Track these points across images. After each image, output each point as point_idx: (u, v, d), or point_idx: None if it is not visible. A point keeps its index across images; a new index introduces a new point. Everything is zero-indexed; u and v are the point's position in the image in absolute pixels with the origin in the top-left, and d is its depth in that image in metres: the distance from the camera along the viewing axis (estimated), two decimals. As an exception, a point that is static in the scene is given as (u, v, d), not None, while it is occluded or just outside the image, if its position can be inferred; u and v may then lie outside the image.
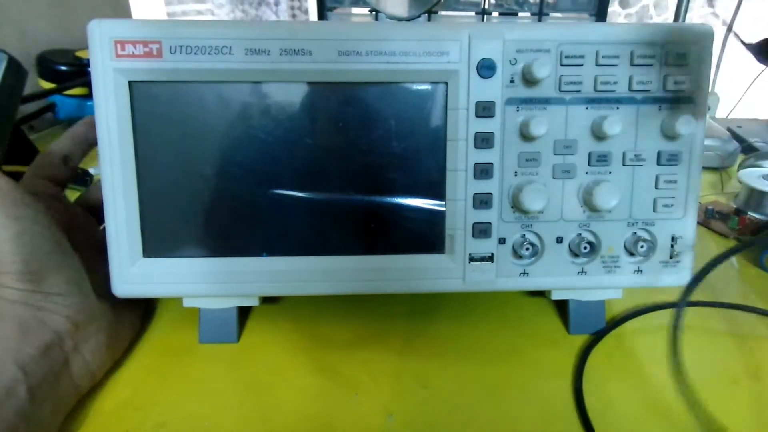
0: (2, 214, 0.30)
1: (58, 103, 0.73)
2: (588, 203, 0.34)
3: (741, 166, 0.63)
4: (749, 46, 0.63)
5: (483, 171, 0.34)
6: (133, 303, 0.38)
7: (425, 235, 0.35)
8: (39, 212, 0.32)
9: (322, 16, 0.89)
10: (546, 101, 0.33)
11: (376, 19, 0.83)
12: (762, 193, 0.53)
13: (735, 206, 0.56)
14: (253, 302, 0.37)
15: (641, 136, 0.34)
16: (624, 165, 0.34)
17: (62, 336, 0.31)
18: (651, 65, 0.33)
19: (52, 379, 0.30)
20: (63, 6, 0.86)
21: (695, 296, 0.42)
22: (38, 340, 0.30)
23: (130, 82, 0.32)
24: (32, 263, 0.31)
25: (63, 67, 0.76)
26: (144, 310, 0.40)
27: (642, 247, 0.35)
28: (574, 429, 0.31)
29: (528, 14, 0.88)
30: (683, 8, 0.85)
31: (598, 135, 0.34)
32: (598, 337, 0.38)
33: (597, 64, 0.33)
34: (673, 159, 0.34)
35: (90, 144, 0.38)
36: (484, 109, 0.33)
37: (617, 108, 0.34)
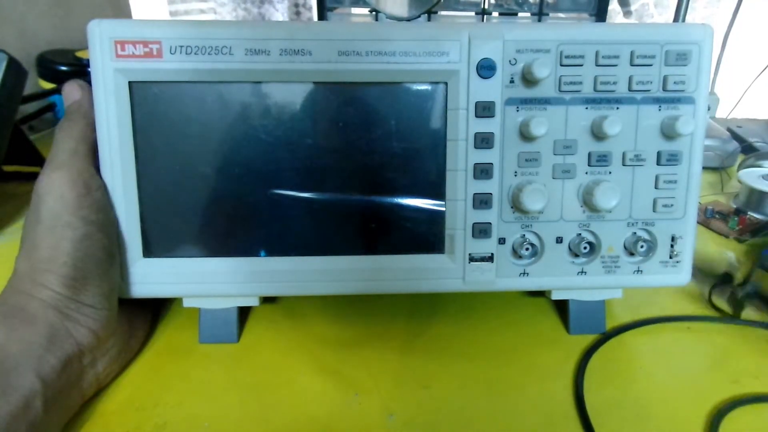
0: (76, 216, 0.30)
1: (58, 103, 0.73)
2: (588, 203, 0.34)
3: (741, 166, 0.63)
4: None
5: (483, 171, 0.34)
6: (146, 313, 0.38)
7: (425, 235, 0.35)
8: (109, 219, 0.32)
9: (322, 16, 0.89)
10: (546, 101, 0.33)
11: (376, 19, 0.83)
12: (762, 193, 0.53)
13: (735, 206, 0.56)
14: (253, 302, 0.37)
15: (641, 136, 0.34)
16: (624, 165, 0.34)
17: (83, 350, 0.31)
18: (651, 65, 0.33)
19: (67, 391, 0.30)
20: (63, 6, 0.86)
21: (690, 307, 0.42)
22: (62, 352, 0.29)
23: (130, 82, 0.32)
24: (82, 270, 0.30)
25: (63, 67, 0.76)
26: (154, 318, 0.40)
27: (642, 247, 0.35)
28: (574, 429, 0.31)
29: (528, 14, 0.88)
30: (683, 8, 0.84)
31: (598, 135, 0.34)
32: (599, 341, 0.38)
33: (597, 64, 0.33)
34: (673, 159, 0.34)
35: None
36: (484, 109, 0.33)
37: (617, 108, 0.34)
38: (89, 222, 0.31)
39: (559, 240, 0.35)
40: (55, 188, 0.30)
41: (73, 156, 0.32)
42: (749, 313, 0.41)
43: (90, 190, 0.31)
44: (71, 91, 0.34)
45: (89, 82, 0.32)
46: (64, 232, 0.30)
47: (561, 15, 0.89)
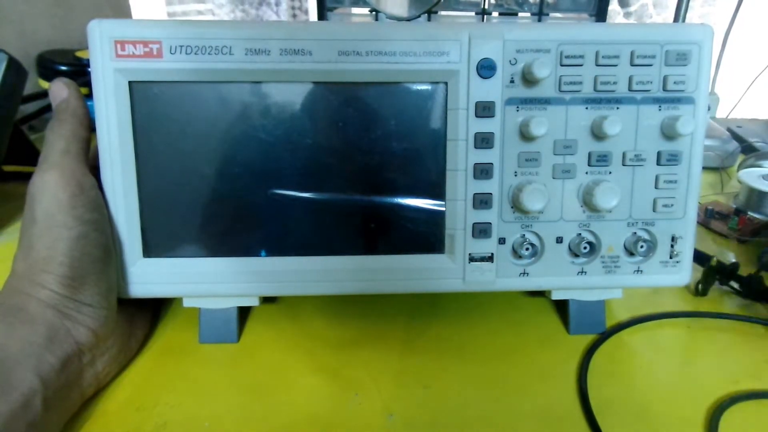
0: (71, 215, 0.30)
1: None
2: (588, 203, 0.34)
3: (741, 166, 0.63)
4: None
5: (483, 171, 0.34)
6: (145, 313, 0.38)
7: (425, 235, 0.35)
8: (103, 218, 0.32)
9: (322, 16, 0.89)
10: (546, 101, 0.33)
11: (376, 19, 0.83)
12: (762, 193, 0.53)
13: (735, 206, 0.56)
14: (253, 302, 0.37)
15: (641, 136, 0.34)
16: (624, 165, 0.34)
17: (83, 349, 0.31)
18: (651, 65, 0.33)
19: (66, 390, 0.30)
20: (63, 6, 0.86)
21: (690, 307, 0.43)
22: (61, 351, 0.29)
23: (130, 82, 0.32)
24: (79, 269, 0.31)
25: (63, 67, 0.76)
26: (154, 318, 0.40)
27: (642, 247, 0.35)
28: (575, 429, 0.31)
29: (528, 14, 0.87)
30: (683, 8, 0.84)
31: (598, 135, 0.34)
32: (600, 340, 0.38)
33: (597, 64, 0.33)
34: (673, 159, 0.34)
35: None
36: (484, 109, 0.33)
37: (617, 108, 0.34)
38: (84, 221, 0.31)
39: (559, 240, 0.35)
40: (48, 188, 0.30)
41: (64, 156, 0.32)
42: (749, 309, 0.41)
43: (83, 189, 0.31)
44: (58, 90, 0.33)
45: (89, 83, 0.32)
46: (60, 232, 0.30)
47: (561, 15, 0.89)
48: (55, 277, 0.30)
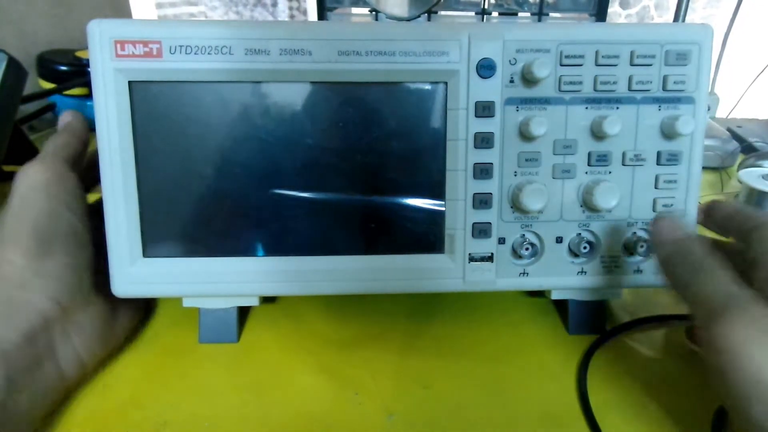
0: (44, 193, 0.32)
1: (58, 103, 0.73)
2: (588, 203, 0.34)
3: (741, 166, 0.63)
4: None
5: (483, 171, 0.34)
6: (133, 300, 0.38)
7: (425, 235, 0.35)
8: (81, 208, 0.34)
9: (322, 16, 0.89)
10: (546, 101, 0.33)
11: (376, 19, 0.83)
12: (762, 193, 0.53)
13: (735, 206, 0.56)
14: (253, 302, 0.37)
15: (641, 136, 0.34)
16: (624, 165, 0.34)
17: (49, 321, 0.30)
18: (651, 65, 0.33)
19: (36, 367, 0.29)
20: (63, 6, 0.86)
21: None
22: (23, 325, 0.29)
23: (130, 82, 0.32)
24: (45, 242, 0.31)
25: (63, 67, 0.76)
26: (144, 302, 0.40)
27: (642, 247, 0.35)
28: (575, 429, 0.31)
29: (528, 14, 0.87)
30: (683, 8, 0.84)
31: (598, 135, 0.34)
32: (599, 340, 0.38)
33: (597, 64, 0.33)
34: (673, 159, 0.34)
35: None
36: (484, 109, 0.33)
37: (617, 108, 0.34)
38: (59, 201, 0.32)
39: (559, 240, 0.35)
40: (28, 178, 0.32)
41: (52, 156, 0.34)
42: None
43: (62, 179, 0.33)
44: (65, 117, 0.37)
45: (89, 82, 0.32)
46: (31, 209, 0.31)
47: (560, 15, 0.89)
48: (19, 248, 0.31)
